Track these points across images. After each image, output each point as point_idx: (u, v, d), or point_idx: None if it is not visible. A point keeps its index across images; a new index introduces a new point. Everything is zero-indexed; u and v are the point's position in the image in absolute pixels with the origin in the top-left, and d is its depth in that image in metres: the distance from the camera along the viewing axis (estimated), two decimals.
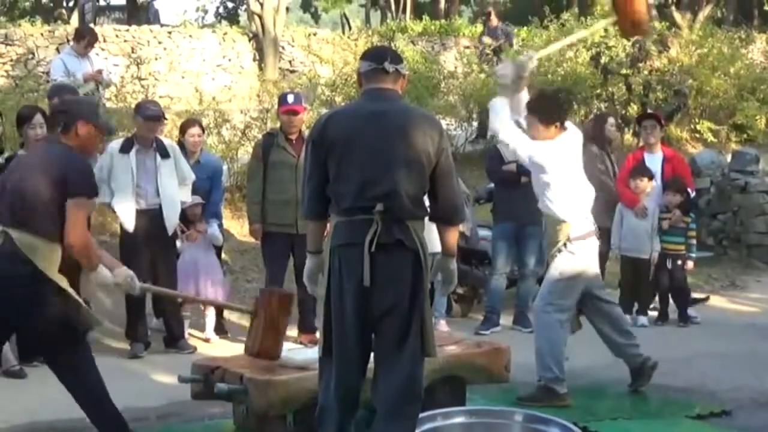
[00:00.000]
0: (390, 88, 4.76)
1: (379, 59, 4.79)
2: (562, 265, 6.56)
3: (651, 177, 9.53)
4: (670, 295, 9.60)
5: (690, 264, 9.65)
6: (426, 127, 4.69)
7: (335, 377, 4.65)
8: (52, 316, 4.88)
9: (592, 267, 6.71)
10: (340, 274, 4.59)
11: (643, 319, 9.35)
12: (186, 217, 8.35)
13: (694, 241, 9.77)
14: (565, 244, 6.53)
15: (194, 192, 8.37)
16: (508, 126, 6.40)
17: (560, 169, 6.45)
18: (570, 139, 6.56)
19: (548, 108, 6.55)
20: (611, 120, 10.20)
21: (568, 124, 6.63)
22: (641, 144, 10.23)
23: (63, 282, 4.91)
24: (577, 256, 6.55)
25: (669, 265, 9.47)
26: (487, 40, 13.62)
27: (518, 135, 6.45)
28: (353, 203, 4.57)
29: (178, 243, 8.33)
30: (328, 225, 4.82)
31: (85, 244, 4.95)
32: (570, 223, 6.51)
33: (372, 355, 4.68)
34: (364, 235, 4.49)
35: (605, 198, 8.98)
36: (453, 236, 4.93)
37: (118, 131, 10.47)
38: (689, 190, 9.81)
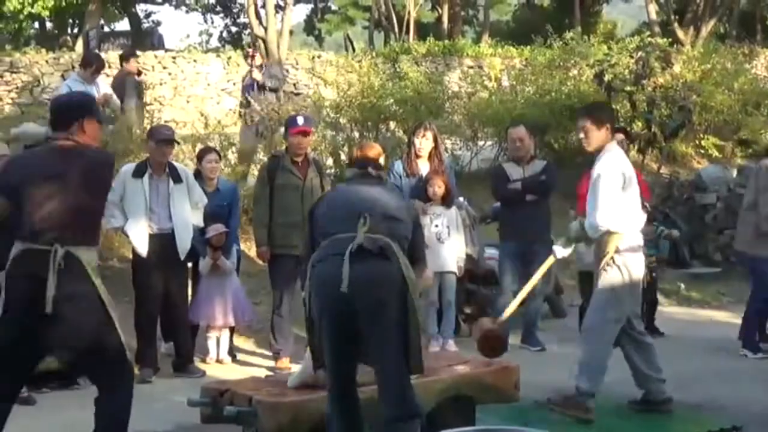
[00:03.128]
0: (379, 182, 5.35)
1: (363, 166, 5.34)
2: (611, 278, 6.52)
3: None
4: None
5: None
6: (406, 203, 5.46)
7: (330, 389, 4.86)
8: (94, 346, 4.93)
9: (639, 284, 6.68)
10: (321, 284, 4.77)
11: None
12: (210, 244, 8.40)
13: (667, 243, 9.88)
14: (613, 258, 6.51)
15: (213, 219, 8.40)
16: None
17: (615, 178, 6.47)
18: (622, 152, 6.69)
19: (601, 109, 6.87)
20: None
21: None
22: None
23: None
24: (626, 268, 6.52)
25: (647, 277, 9.48)
26: (257, 74, 13.42)
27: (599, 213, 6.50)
28: (339, 227, 4.88)
29: (201, 267, 8.41)
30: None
31: None
32: (621, 234, 6.50)
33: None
34: (346, 246, 4.74)
35: None
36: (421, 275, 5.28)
37: (124, 156, 10.55)
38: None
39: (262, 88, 13.01)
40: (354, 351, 4.84)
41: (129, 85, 12.74)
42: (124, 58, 13.44)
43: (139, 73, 13.57)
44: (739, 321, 9.30)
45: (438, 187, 8.78)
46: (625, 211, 6.51)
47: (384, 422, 4.68)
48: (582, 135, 6.68)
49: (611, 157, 6.54)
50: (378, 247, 4.74)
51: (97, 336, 4.91)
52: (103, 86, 11.75)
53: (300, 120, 8.53)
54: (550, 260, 6.93)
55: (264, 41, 19.72)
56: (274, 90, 13.41)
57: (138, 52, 19.56)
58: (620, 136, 9.90)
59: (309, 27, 40.14)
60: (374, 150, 5.54)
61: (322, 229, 4.96)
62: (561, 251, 6.84)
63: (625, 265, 6.50)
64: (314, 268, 4.84)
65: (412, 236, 5.07)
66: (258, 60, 13.39)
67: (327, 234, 4.89)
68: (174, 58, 19.76)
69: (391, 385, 4.71)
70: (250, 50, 14.00)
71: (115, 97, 11.59)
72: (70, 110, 5.10)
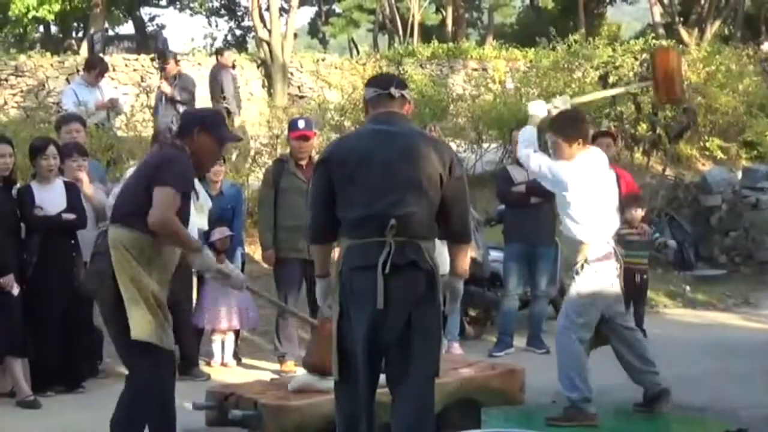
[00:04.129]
0: (397, 111, 4.81)
1: (385, 85, 4.85)
2: (581, 285, 6.57)
3: None
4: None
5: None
6: (435, 147, 4.75)
7: (352, 402, 4.68)
8: (112, 325, 5.14)
9: (612, 288, 6.67)
10: (353, 298, 4.60)
11: None
12: (215, 247, 8.40)
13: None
14: (582, 266, 6.54)
15: (218, 222, 8.40)
16: (534, 152, 6.59)
17: (581, 188, 6.46)
18: (593, 159, 6.60)
19: (570, 125, 6.65)
20: None
21: (593, 148, 6.72)
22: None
23: (151, 287, 5.07)
24: (596, 276, 6.55)
25: (637, 279, 9.43)
26: (165, 86, 12.43)
27: (544, 158, 6.59)
28: (365, 225, 4.59)
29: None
30: (337, 248, 4.85)
31: (164, 223, 5.02)
32: (589, 245, 6.52)
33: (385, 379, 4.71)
34: (377, 257, 4.51)
35: None
36: (465, 255, 4.97)
37: (129, 160, 10.56)
38: None
39: (171, 101, 12.43)
40: (380, 361, 4.72)
41: (226, 78, 14.01)
42: (219, 53, 14.91)
43: (234, 66, 14.77)
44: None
45: None
46: (591, 220, 6.52)
47: (398, 428, 4.61)
48: (551, 150, 6.69)
49: (577, 165, 6.52)
50: (410, 261, 4.57)
51: (109, 314, 5.15)
52: (107, 90, 11.75)
53: (301, 123, 8.53)
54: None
55: (268, 44, 19.76)
56: (185, 104, 12.57)
57: (142, 55, 19.67)
58: (607, 140, 9.85)
59: (313, 30, 40.14)
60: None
61: (343, 210, 4.66)
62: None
63: (596, 272, 6.54)
64: (346, 278, 4.63)
65: (451, 208, 4.71)
66: (173, 71, 12.67)
67: (348, 221, 4.64)
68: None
69: (415, 395, 4.59)
70: (165, 60, 12.92)
71: (121, 101, 11.59)
72: (189, 121, 5.34)
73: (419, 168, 4.62)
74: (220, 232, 8.34)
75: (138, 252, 5.01)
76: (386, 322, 4.52)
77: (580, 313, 6.60)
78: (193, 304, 8.46)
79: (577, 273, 6.58)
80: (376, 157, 4.64)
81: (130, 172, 8.22)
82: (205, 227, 8.29)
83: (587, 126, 6.87)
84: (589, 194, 6.49)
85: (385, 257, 4.50)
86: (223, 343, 8.63)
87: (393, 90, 4.80)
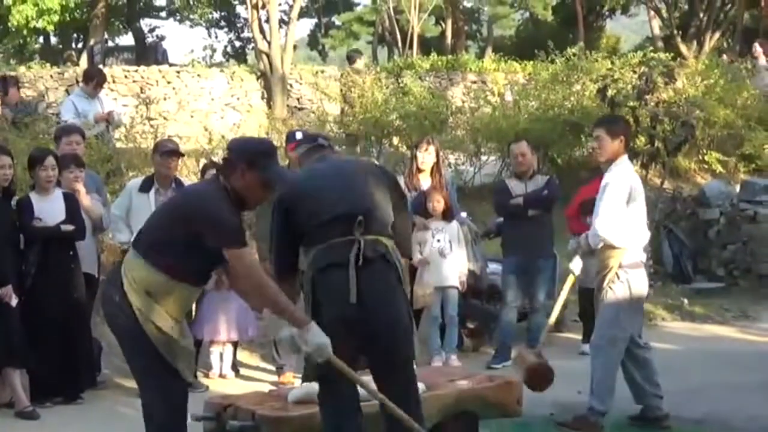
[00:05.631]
0: (331, 152, 5.21)
1: (311, 140, 5.28)
2: (618, 294, 6.55)
3: None
4: None
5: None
6: (381, 169, 5.33)
7: (338, 400, 4.80)
8: (126, 351, 4.92)
9: (643, 299, 6.71)
10: (324, 296, 4.75)
11: None
12: None
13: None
14: (617, 274, 6.53)
15: None
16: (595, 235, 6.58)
17: (622, 191, 6.50)
18: (631, 167, 6.75)
19: (615, 121, 6.94)
20: None
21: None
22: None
23: (161, 320, 4.70)
24: (630, 284, 6.56)
25: None
26: (7, 112, 11.42)
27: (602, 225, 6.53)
28: (333, 226, 4.76)
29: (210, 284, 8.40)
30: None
31: (256, 286, 4.76)
32: (625, 250, 6.52)
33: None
34: (347, 254, 4.67)
35: None
36: (407, 271, 5.34)
37: (128, 171, 10.57)
38: None
39: (13, 122, 11.53)
40: (359, 361, 4.82)
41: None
42: (350, 59, 16.97)
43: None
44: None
45: (437, 202, 8.82)
46: (629, 225, 6.52)
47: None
48: (595, 144, 6.79)
49: (621, 170, 6.60)
50: (380, 255, 4.72)
51: (120, 338, 4.96)
52: (106, 102, 11.76)
53: (297, 135, 8.55)
54: (571, 279, 6.94)
55: (268, 56, 19.76)
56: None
57: (142, 67, 19.69)
58: None
59: (313, 42, 40.18)
60: None
61: (307, 226, 4.83)
62: (577, 266, 6.88)
63: (629, 281, 6.52)
64: (315, 277, 4.78)
65: (397, 224, 4.98)
66: (14, 97, 11.95)
67: (314, 230, 4.79)
68: (178, 72, 19.72)
69: (400, 398, 4.66)
70: (5, 85, 11.92)
71: (118, 114, 11.58)
72: (235, 156, 4.82)
73: (372, 183, 4.92)
74: None
75: (145, 288, 4.70)
76: (360, 316, 4.64)
77: (620, 322, 6.57)
78: (192, 316, 8.47)
79: (613, 282, 6.55)
80: (331, 175, 4.94)
81: (131, 183, 8.29)
82: None
83: (630, 130, 7.02)
84: (627, 200, 6.54)
85: (356, 252, 4.65)
86: (221, 354, 8.64)
87: (321, 140, 5.20)
